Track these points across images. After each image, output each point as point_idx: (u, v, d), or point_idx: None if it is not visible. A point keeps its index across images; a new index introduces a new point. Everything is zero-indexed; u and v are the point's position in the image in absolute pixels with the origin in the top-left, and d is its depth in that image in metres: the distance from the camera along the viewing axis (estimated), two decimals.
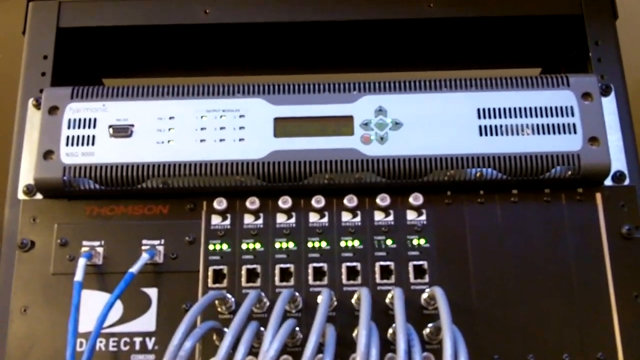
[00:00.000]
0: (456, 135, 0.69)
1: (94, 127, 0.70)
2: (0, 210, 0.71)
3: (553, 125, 0.69)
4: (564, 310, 0.66)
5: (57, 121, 0.70)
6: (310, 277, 0.67)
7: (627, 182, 0.70)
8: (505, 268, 0.68)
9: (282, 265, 0.68)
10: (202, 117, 0.70)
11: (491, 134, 0.69)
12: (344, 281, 0.67)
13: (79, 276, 0.64)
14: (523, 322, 0.66)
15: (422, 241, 0.68)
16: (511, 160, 0.68)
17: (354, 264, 0.68)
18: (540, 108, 0.70)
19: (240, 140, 0.69)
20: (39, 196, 0.70)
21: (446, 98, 0.71)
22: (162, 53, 0.86)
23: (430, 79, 0.71)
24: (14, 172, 0.71)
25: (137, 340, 0.66)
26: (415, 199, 0.69)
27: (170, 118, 0.70)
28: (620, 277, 0.67)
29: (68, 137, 0.70)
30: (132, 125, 0.70)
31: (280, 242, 0.69)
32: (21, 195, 0.71)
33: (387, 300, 0.66)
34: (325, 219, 0.69)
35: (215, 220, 0.70)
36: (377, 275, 0.67)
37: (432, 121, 0.70)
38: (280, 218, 0.70)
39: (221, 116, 0.70)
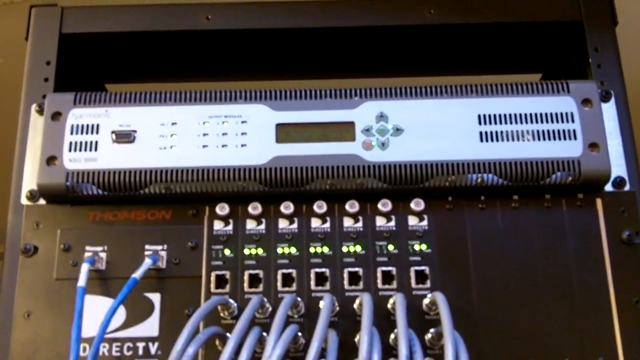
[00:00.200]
0: (457, 141, 0.69)
1: (97, 132, 0.70)
2: (4, 216, 0.71)
3: (553, 131, 0.70)
4: (565, 315, 0.66)
5: (60, 127, 0.71)
6: (312, 283, 0.68)
7: (627, 187, 0.70)
8: (506, 273, 0.68)
9: (285, 271, 0.68)
10: (204, 123, 0.71)
11: (492, 140, 0.69)
12: (346, 286, 0.68)
13: (82, 281, 0.64)
14: (524, 327, 0.66)
15: (424, 246, 0.69)
16: (512, 166, 0.68)
17: (356, 269, 0.68)
18: (541, 114, 0.70)
19: (242, 146, 0.70)
20: (42, 201, 0.71)
21: (447, 104, 0.71)
22: (164, 59, 0.86)
23: (431, 85, 0.72)
24: (17, 178, 0.72)
25: (140, 345, 0.66)
26: (417, 204, 0.70)
27: (173, 124, 0.71)
28: (621, 282, 0.67)
29: (71, 142, 0.70)
30: (135, 131, 0.70)
31: (283, 248, 0.69)
32: (24, 201, 0.71)
33: (389, 306, 0.66)
34: (327, 225, 0.70)
35: (218, 225, 0.70)
36: (379, 281, 0.67)
37: (433, 127, 0.70)
38: (283, 223, 0.70)
39: (223, 122, 0.71)
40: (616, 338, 0.66)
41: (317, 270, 0.68)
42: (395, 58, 0.87)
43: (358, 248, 0.69)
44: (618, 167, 0.71)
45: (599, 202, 0.70)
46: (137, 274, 0.65)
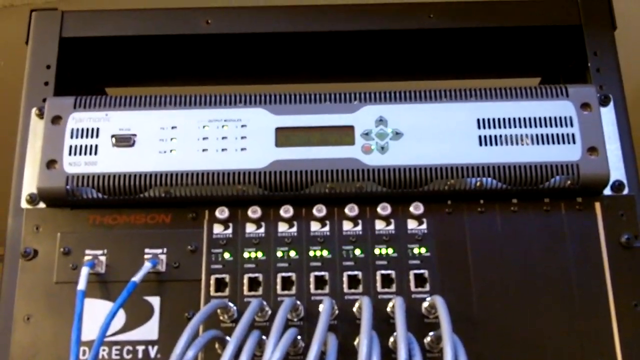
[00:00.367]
0: (456, 145, 0.69)
1: (97, 136, 0.71)
2: (4, 219, 0.71)
3: (552, 135, 0.70)
4: (564, 318, 0.67)
5: (60, 130, 0.71)
6: (311, 286, 0.68)
7: (626, 191, 0.70)
8: (506, 277, 0.68)
9: (284, 274, 0.68)
10: (204, 126, 0.71)
11: (491, 144, 0.70)
12: (345, 290, 0.68)
13: (82, 285, 0.64)
14: (523, 331, 0.66)
15: (423, 250, 0.69)
16: (511, 170, 0.69)
17: (355, 272, 0.68)
18: (540, 118, 0.70)
19: (242, 149, 0.70)
20: (42, 205, 0.71)
21: (446, 108, 0.71)
22: (164, 63, 0.86)
23: (431, 89, 0.72)
24: (17, 181, 0.72)
25: (140, 348, 0.66)
26: (416, 208, 0.70)
27: (173, 128, 0.71)
28: (620, 286, 0.67)
29: (71, 146, 0.70)
30: (135, 135, 0.71)
31: (282, 251, 0.69)
32: (24, 204, 0.71)
33: (388, 309, 0.66)
34: (327, 228, 0.70)
35: (217, 229, 0.70)
36: (378, 284, 0.68)
37: (432, 131, 0.70)
38: (282, 227, 0.70)
39: (223, 126, 0.71)
40: (615, 341, 0.66)
41: (317, 273, 0.68)
42: (394, 62, 0.87)
43: (357, 251, 0.69)
44: (617, 171, 0.71)
45: (597, 205, 0.70)
46: (137, 278, 0.65)
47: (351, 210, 0.70)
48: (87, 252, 0.69)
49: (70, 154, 0.70)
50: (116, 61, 0.85)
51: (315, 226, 0.70)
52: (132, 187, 0.69)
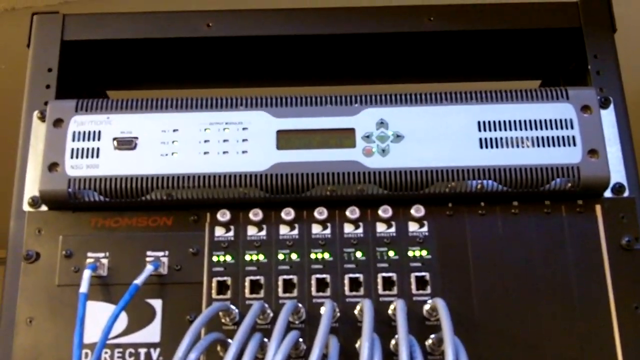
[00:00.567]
0: (457, 148, 0.70)
1: (99, 139, 0.71)
2: (6, 222, 0.71)
3: (553, 137, 0.70)
4: (565, 321, 0.67)
5: (61, 133, 0.71)
6: (313, 289, 0.68)
7: (626, 193, 0.71)
8: (507, 279, 0.68)
9: (286, 277, 0.68)
10: (205, 129, 0.71)
11: (491, 147, 0.70)
12: (347, 292, 0.68)
13: (84, 287, 0.64)
14: (524, 333, 0.66)
15: (424, 252, 0.69)
16: (511, 172, 0.69)
17: (357, 275, 0.68)
18: (540, 121, 0.70)
19: (243, 152, 0.70)
20: (44, 208, 0.71)
21: (447, 111, 0.71)
22: (165, 66, 0.87)
23: (431, 92, 0.72)
24: (19, 184, 0.72)
25: (142, 351, 0.66)
26: (417, 210, 0.70)
27: (174, 130, 0.71)
28: (621, 289, 0.67)
29: (73, 149, 0.70)
30: (136, 138, 0.71)
31: (284, 254, 0.69)
32: (26, 207, 0.71)
33: (390, 312, 0.67)
34: (328, 231, 0.70)
35: (219, 231, 0.70)
36: (380, 287, 0.68)
37: (433, 133, 0.70)
38: (283, 229, 0.70)
39: (224, 129, 0.71)
40: (616, 344, 0.66)
41: (318, 276, 0.68)
42: (395, 65, 0.88)
43: (359, 254, 0.69)
44: (617, 173, 0.71)
45: (598, 208, 0.70)
46: (139, 280, 0.65)
47: (352, 212, 0.70)
48: (89, 254, 0.69)
49: (72, 156, 0.70)
50: (117, 64, 0.85)
51: (316, 229, 0.70)
52: (134, 190, 0.69)
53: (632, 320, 0.66)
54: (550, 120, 0.70)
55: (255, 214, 0.70)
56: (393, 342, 0.65)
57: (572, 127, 0.70)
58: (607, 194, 0.71)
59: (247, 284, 0.68)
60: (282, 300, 0.67)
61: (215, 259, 0.69)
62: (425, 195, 0.70)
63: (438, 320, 0.63)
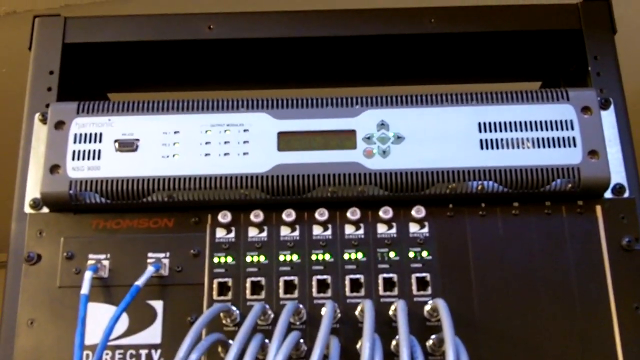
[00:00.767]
0: (457, 149, 0.70)
1: (100, 141, 0.71)
2: (7, 224, 0.71)
3: (553, 138, 0.70)
4: (565, 321, 0.67)
5: (63, 136, 0.71)
6: (314, 290, 0.68)
7: (626, 194, 0.71)
8: (507, 280, 0.68)
9: (286, 278, 0.68)
10: (206, 131, 0.71)
11: (492, 148, 0.70)
12: (348, 293, 0.68)
13: (85, 289, 0.65)
14: (524, 334, 0.66)
15: (425, 253, 0.69)
16: (512, 173, 0.69)
17: (358, 276, 0.68)
18: (541, 122, 0.71)
19: (244, 154, 0.70)
20: (45, 210, 0.71)
21: (447, 112, 0.71)
22: (166, 68, 0.87)
23: (432, 94, 0.72)
24: (21, 186, 0.72)
25: (143, 352, 0.67)
26: (418, 211, 0.70)
27: (175, 132, 0.71)
28: (621, 289, 0.67)
29: (74, 151, 0.71)
30: (138, 140, 0.71)
31: (284, 255, 0.69)
32: (28, 209, 0.71)
33: (391, 312, 0.67)
34: (329, 232, 0.70)
35: (220, 233, 0.70)
36: (380, 288, 0.68)
37: (433, 135, 0.70)
38: (284, 231, 0.70)
39: (225, 130, 0.71)
40: (616, 344, 0.66)
41: (319, 277, 0.68)
42: (396, 67, 0.88)
43: (359, 255, 0.69)
44: (617, 174, 0.71)
45: (598, 208, 0.70)
46: (140, 282, 0.65)
47: (353, 214, 0.70)
48: (91, 256, 0.69)
49: (73, 159, 0.70)
50: (119, 66, 0.85)
51: (317, 230, 0.70)
52: (135, 192, 0.69)
53: (632, 320, 0.66)
54: (551, 121, 0.71)
55: (256, 216, 0.70)
56: (394, 342, 0.65)
57: (572, 128, 0.70)
58: (608, 194, 0.71)
59: (248, 285, 0.68)
60: (283, 301, 0.67)
61: (216, 260, 0.69)
62: (425, 196, 0.70)
63: (439, 321, 0.63)
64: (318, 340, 0.58)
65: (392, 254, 0.69)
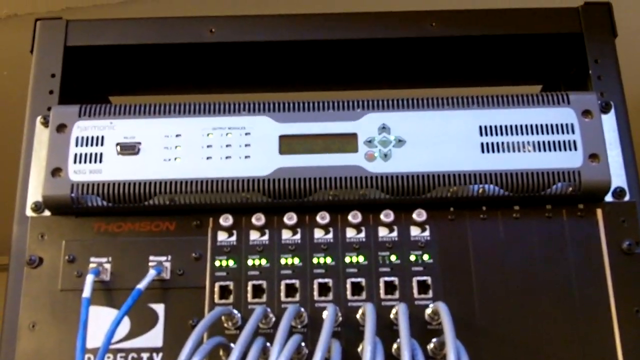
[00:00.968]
0: (458, 152, 0.70)
1: (102, 144, 0.71)
2: (9, 227, 0.71)
3: (554, 142, 0.70)
4: (566, 325, 0.67)
5: (65, 139, 0.71)
6: (315, 293, 0.68)
7: (627, 198, 0.71)
8: (508, 283, 0.68)
9: (288, 281, 0.68)
10: (208, 134, 0.71)
11: (493, 151, 0.70)
12: (349, 297, 0.68)
13: (86, 292, 0.65)
14: (525, 337, 0.67)
15: (426, 257, 0.69)
16: (513, 177, 0.69)
17: (359, 279, 0.68)
18: (541, 125, 0.71)
19: (246, 157, 0.70)
20: (47, 213, 0.71)
21: (448, 115, 0.72)
22: (168, 71, 0.87)
23: (433, 97, 0.72)
24: (22, 189, 0.72)
25: (145, 355, 0.67)
26: (419, 215, 0.70)
27: (177, 136, 0.71)
28: (621, 292, 0.67)
29: (76, 154, 0.71)
30: (139, 143, 0.71)
31: (286, 258, 0.69)
32: (29, 212, 0.71)
33: (392, 316, 0.67)
34: (330, 235, 0.70)
35: (222, 236, 0.70)
36: (382, 291, 0.68)
37: (434, 138, 0.71)
38: (286, 234, 0.70)
39: (227, 134, 0.71)
40: (617, 347, 0.66)
41: (320, 280, 0.68)
42: (397, 70, 0.88)
43: (361, 258, 0.69)
44: (618, 177, 0.71)
45: (599, 212, 0.70)
46: (142, 285, 0.65)
47: (354, 217, 0.70)
48: (92, 259, 0.69)
49: (75, 162, 0.70)
50: (120, 70, 0.86)
51: (318, 233, 0.70)
52: (137, 195, 0.69)
53: (633, 323, 0.67)
54: (552, 125, 0.71)
55: (258, 219, 0.70)
56: (395, 346, 0.65)
57: (573, 132, 0.70)
58: (608, 198, 0.71)
59: (249, 288, 0.68)
60: (285, 305, 0.67)
61: (217, 263, 0.69)
62: (427, 199, 0.70)
63: (440, 324, 0.63)
64: (319, 343, 0.58)
65: (393, 257, 0.69)
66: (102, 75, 0.86)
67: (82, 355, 0.61)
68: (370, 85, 0.93)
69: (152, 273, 0.67)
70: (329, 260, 0.69)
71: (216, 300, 0.68)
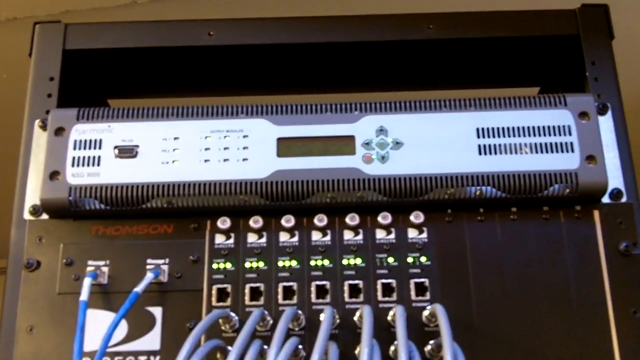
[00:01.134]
0: (456, 154, 0.70)
1: (100, 147, 0.71)
2: (7, 230, 0.71)
3: (551, 144, 0.70)
4: (563, 326, 0.67)
5: (63, 142, 0.71)
6: (313, 295, 0.68)
7: (624, 199, 0.71)
8: (505, 285, 0.68)
9: (285, 284, 0.68)
10: (206, 137, 0.71)
11: (490, 153, 0.70)
12: (347, 299, 0.68)
13: (84, 295, 0.65)
14: (523, 339, 0.67)
15: (423, 259, 0.69)
16: (510, 179, 0.69)
17: (356, 282, 0.68)
18: (538, 127, 0.71)
19: (243, 160, 0.70)
20: (44, 216, 0.71)
21: (446, 118, 0.72)
22: (166, 74, 0.87)
23: (430, 99, 0.73)
24: (20, 193, 0.72)
25: (142, 358, 0.67)
26: (416, 217, 0.70)
27: (175, 138, 0.71)
28: (619, 294, 0.67)
29: (74, 157, 0.71)
30: (137, 146, 0.71)
31: (284, 261, 0.69)
32: (27, 216, 0.71)
33: (389, 318, 0.67)
34: (328, 238, 0.70)
35: (219, 239, 0.70)
36: (379, 293, 0.68)
37: (432, 140, 0.71)
38: (284, 237, 0.70)
39: (225, 136, 0.72)
40: (614, 349, 0.66)
41: (318, 283, 0.68)
42: (394, 73, 0.88)
43: (358, 261, 0.69)
44: (615, 179, 0.71)
45: (596, 213, 0.71)
46: (139, 288, 0.65)
47: (352, 219, 0.70)
48: (90, 262, 0.70)
49: (73, 165, 0.70)
50: (119, 73, 0.86)
51: (316, 236, 0.70)
52: (135, 198, 0.69)
53: (630, 324, 0.67)
54: (549, 127, 0.71)
55: (256, 222, 0.70)
56: (392, 348, 0.65)
57: (570, 134, 0.71)
58: (605, 199, 0.71)
59: (247, 291, 0.68)
60: (282, 307, 0.67)
61: (215, 266, 0.69)
62: (424, 201, 0.70)
63: (437, 326, 0.63)
64: (317, 345, 0.58)
65: (390, 260, 0.69)
66: (100, 79, 0.86)
67: (80, 358, 0.61)
68: (367, 87, 0.93)
69: (149, 276, 0.67)
70: (326, 262, 0.69)
71: (214, 303, 0.68)
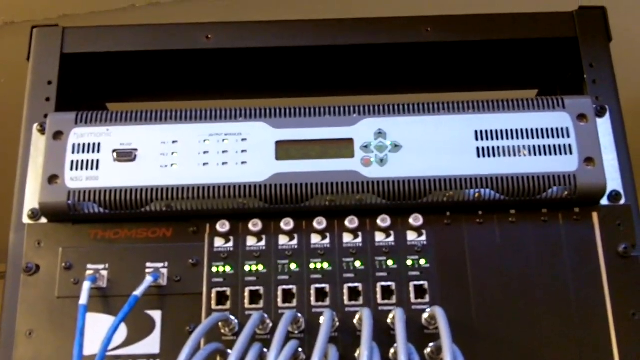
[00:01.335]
0: (454, 157, 0.70)
1: (98, 151, 0.71)
2: (6, 235, 0.71)
3: (549, 146, 0.70)
4: (563, 328, 0.67)
5: (61, 146, 0.71)
6: (312, 298, 0.68)
7: (622, 201, 0.71)
8: (505, 287, 0.68)
9: (285, 287, 0.68)
10: (204, 140, 0.72)
11: (489, 156, 0.70)
12: (346, 302, 0.68)
13: (83, 299, 0.65)
14: (522, 341, 0.67)
15: (423, 261, 0.69)
16: (509, 181, 0.69)
17: (356, 284, 0.68)
18: (537, 129, 0.71)
19: (242, 163, 0.70)
20: (43, 220, 0.71)
21: (444, 120, 0.72)
22: (165, 78, 0.87)
23: (429, 102, 0.73)
24: (19, 197, 0.72)
25: None
26: (415, 219, 0.70)
27: (174, 142, 0.71)
28: (618, 296, 0.67)
29: (72, 161, 0.71)
30: (136, 150, 0.71)
31: (283, 264, 0.69)
32: (26, 220, 0.71)
33: (389, 320, 0.67)
34: (327, 240, 0.70)
35: (218, 242, 0.70)
36: (379, 296, 0.68)
37: (430, 143, 0.71)
38: (283, 240, 0.70)
39: (224, 140, 0.72)
40: (613, 351, 0.66)
41: (317, 286, 0.68)
42: (393, 75, 0.88)
43: (358, 263, 0.69)
44: (613, 181, 0.71)
45: (595, 215, 0.71)
46: (139, 292, 0.65)
47: (351, 222, 0.70)
48: (89, 266, 0.69)
49: (71, 169, 0.70)
50: (117, 76, 0.86)
51: (315, 239, 0.70)
52: (134, 202, 0.69)
53: (629, 326, 0.67)
54: (547, 129, 0.71)
55: (255, 225, 0.70)
56: (392, 350, 0.65)
57: (568, 136, 0.71)
58: (604, 201, 0.71)
59: (246, 294, 0.68)
60: (282, 310, 0.67)
61: (214, 269, 0.69)
62: (423, 204, 0.70)
63: (437, 329, 0.63)
64: (316, 349, 0.58)
65: (390, 262, 0.69)
66: (99, 82, 0.86)
67: None
68: (366, 90, 0.93)
69: (149, 280, 0.67)
70: (326, 265, 0.69)
71: (213, 306, 0.68)
